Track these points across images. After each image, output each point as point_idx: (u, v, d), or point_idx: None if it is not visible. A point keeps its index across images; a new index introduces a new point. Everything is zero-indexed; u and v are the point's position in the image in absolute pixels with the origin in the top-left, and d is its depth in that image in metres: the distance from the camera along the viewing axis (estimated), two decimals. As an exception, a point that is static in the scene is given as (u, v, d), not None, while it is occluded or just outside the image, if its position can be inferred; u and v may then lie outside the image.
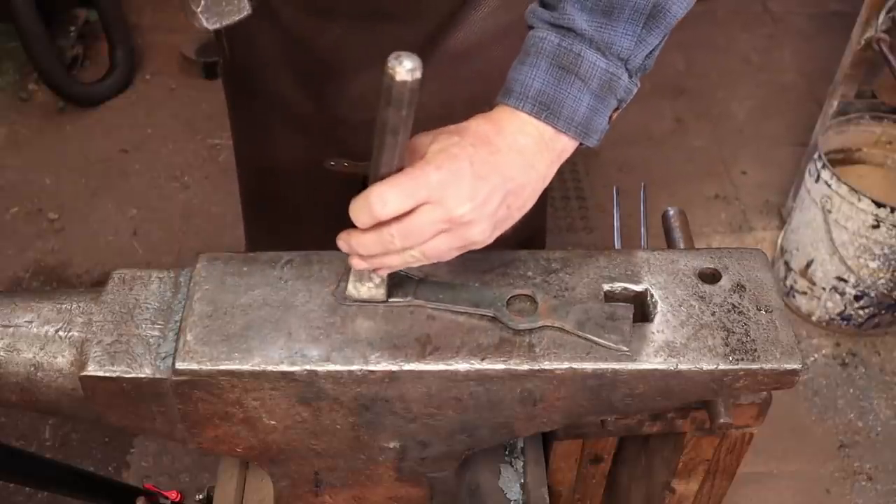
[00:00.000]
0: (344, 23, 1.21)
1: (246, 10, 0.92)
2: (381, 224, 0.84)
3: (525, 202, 0.89)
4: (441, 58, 1.22)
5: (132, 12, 3.67)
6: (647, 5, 0.86)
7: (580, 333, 0.92)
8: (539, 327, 0.93)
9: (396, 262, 0.89)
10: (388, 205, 0.82)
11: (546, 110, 0.87)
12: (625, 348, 0.92)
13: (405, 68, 0.73)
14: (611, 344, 0.92)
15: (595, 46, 0.86)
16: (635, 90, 0.90)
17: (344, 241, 0.88)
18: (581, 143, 0.90)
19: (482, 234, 0.86)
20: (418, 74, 0.73)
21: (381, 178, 0.83)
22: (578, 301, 0.96)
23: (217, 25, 0.91)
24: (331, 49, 1.23)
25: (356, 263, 0.90)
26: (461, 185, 0.83)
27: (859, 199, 2.34)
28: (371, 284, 0.95)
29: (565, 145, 0.89)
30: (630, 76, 0.89)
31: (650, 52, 0.89)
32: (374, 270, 0.92)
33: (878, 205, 2.31)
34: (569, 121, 0.87)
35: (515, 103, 0.87)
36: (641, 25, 0.86)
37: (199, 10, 0.89)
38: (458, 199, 0.83)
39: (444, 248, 0.86)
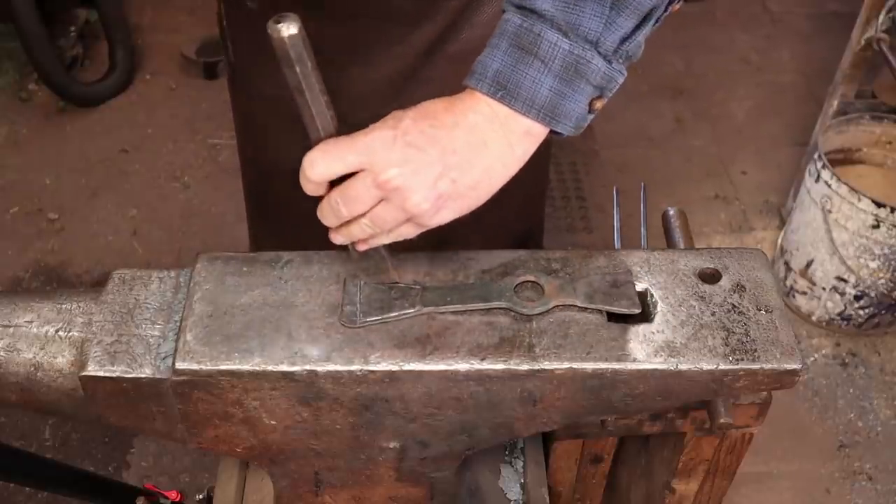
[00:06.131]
0: (348, 23, 1.21)
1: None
2: (328, 192, 0.88)
3: (478, 181, 0.88)
4: (443, 59, 1.22)
5: (132, 12, 3.67)
6: None
7: (592, 306, 0.95)
8: (552, 308, 0.95)
9: (357, 233, 0.91)
10: (315, 167, 0.86)
11: (502, 90, 0.86)
12: (637, 310, 0.95)
13: (283, 26, 0.79)
14: (624, 310, 0.95)
15: (557, 27, 0.84)
16: (620, 78, 0.88)
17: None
18: (553, 130, 0.88)
19: (420, 205, 0.86)
20: (294, 30, 0.79)
21: (313, 145, 0.88)
22: (580, 276, 0.99)
23: None
24: (333, 49, 1.23)
25: (332, 237, 0.93)
26: (390, 151, 0.84)
27: (859, 199, 2.34)
28: (369, 264, 0.98)
29: (529, 128, 0.88)
30: (607, 61, 0.86)
31: (627, 37, 0.86)
32: (355, 245, 0.94)
33: (878, 205, 2.31)
34: (528, 103, 0.86)
35: (474, 84, 0.87)
36: (609, 6, 0.84)
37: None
38: (386, 164, 0.84)
39: (388, 217, 0.88)
